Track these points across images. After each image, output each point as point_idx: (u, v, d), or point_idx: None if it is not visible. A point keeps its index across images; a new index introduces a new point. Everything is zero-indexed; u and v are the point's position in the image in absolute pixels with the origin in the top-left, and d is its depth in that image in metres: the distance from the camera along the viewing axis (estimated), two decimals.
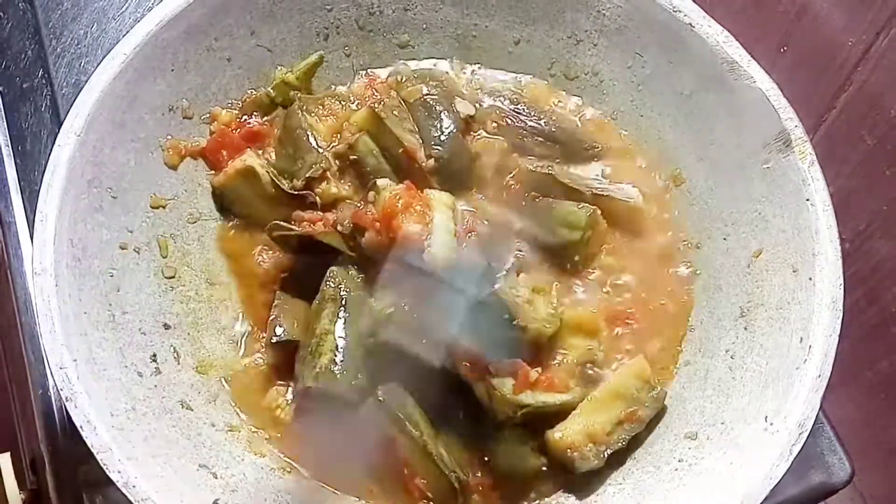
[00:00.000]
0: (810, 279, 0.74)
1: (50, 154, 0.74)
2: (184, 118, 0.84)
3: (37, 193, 0.73)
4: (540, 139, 0.87)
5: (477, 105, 0.88)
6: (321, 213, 0.81)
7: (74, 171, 0.74)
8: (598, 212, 0.82)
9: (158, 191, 0.82)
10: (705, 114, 0.84)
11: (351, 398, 0.74)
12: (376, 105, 0.85)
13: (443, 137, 0.83)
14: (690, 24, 0.82)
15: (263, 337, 0.80)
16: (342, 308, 0.77)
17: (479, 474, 0.76)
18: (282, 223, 0.80)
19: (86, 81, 0.77)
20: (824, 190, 0.76)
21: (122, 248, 0.78)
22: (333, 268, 0.79)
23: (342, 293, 0.78)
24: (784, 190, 0.78)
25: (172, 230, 0.82)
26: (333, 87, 0.90)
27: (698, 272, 0.83)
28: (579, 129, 0.89)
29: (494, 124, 0.88)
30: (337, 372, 0.74)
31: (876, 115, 1.03)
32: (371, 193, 0.79)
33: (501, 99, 0.89)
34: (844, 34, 1.02)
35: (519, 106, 0.89)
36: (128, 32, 0.79)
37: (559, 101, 0.90)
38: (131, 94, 0.79)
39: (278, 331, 0.78)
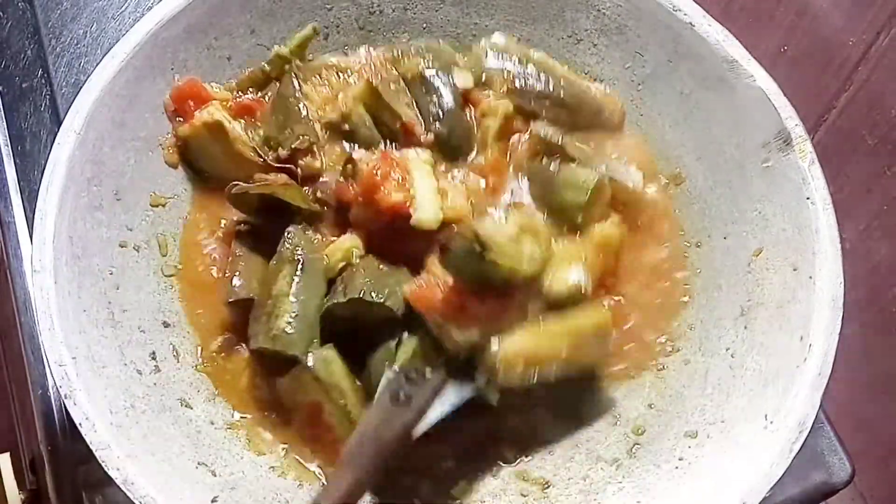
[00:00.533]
0: (810, 278, 0.74)
1: (49, 153, 0.74)
2: None
3: (36, 193, 0.72)
4: (548, 102, 0.85)
5: (478, 73, 0.86)
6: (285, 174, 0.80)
7: (74, 170, 0.74)
8: (606, 179, 0.80)
9: (158, 189, 0.82)
10: (705, 113, 0.84)
11: (304, 361, 0.74)
12: (373, 79, 0.83)
13: (441, 112, 0.82)
14: (690, 24, 0.82)
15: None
16: (300, 270, 0.76)
17: None
18: (240, 183, 0.78)
19: (85, 81, 0.77)
20: (824, 189, 0.76)
21: (122, 247, 0.78)
22: (291, 228, 0.78)
23: (298, 255, 0.77)
24: (784, 189, 0.78)
25: (172, 228, 0.82)
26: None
27: (698, 271, 0.83)
28: (588, 93, 0.87)
29: (503, 88, 0.85)
30: (294, 334, 0.74)
31: (876, 115, 1.03)
32: (349, 167, 0.78)
33: (509, 62, 0.87)
34: (845, 34, 1.02)
35: (528, 68, 0.86)
36: (127, 32, 0.79)
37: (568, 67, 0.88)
38: (131, 93, 0.79)
39: (236, 282, 0.77)
